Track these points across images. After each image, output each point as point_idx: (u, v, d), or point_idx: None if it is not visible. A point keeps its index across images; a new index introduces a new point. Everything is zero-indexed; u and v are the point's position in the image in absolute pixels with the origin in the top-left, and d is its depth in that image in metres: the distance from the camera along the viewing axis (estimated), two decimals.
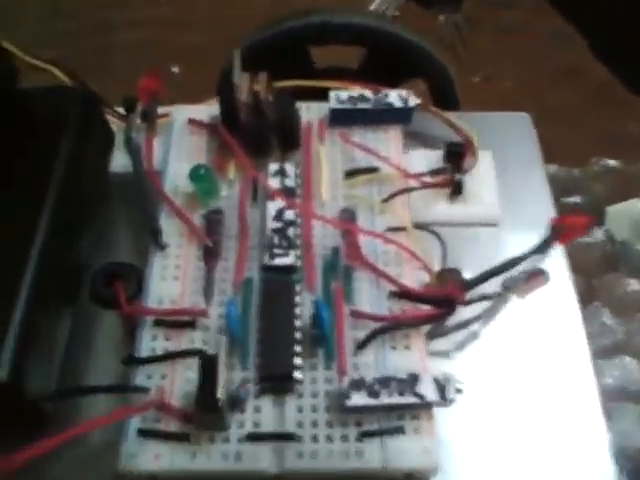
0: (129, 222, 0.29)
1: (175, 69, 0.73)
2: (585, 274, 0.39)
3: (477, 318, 0.26)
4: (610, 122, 0.46)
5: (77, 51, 0.74)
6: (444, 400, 0.21)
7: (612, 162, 0.47)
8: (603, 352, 0.37)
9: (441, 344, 0.25)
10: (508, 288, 0.25)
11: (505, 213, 0.29)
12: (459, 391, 0.21)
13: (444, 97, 0.36)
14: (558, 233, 0.25)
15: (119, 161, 0.30)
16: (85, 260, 0.27)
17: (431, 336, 0.25)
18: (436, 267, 0.26)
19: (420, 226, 0.27)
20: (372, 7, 0.47)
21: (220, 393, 0.20)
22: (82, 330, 0.26)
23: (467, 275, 0.26)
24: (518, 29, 0.59)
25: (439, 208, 0.28)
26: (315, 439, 0.21)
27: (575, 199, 0.44)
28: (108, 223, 0.29)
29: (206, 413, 0.20)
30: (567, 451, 0.23)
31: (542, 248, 0.25)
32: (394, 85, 0.36)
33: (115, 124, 0.30)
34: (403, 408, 0.22)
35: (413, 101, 0.29)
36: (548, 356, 0.25)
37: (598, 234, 0.43)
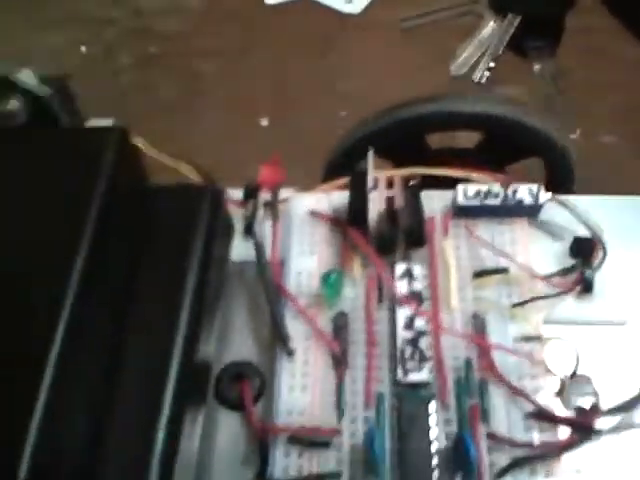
0: (248, 315, 0.29)
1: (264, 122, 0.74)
2: None
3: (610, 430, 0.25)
4: None
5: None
6: None
7: None
8: None
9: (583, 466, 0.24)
10: None
11: (634, 311, 0.28)
12: None
13: (561, 177, 0.36)
14: None
15: (236, 249, 0.30)
16: (210, 358, 0.28)
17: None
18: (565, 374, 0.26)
19: (550, 328, 0.27)
20: (464, 56, 0.47)
21: None
22: (210, 436, 0.26)
23: (599, 381, 0.25)
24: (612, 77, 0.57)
25: (566, 306, 0.28)
26: None
27: None
28: (228, 317, 0.29)
29: None
30: None
31: None
32: (507, 163, 0.36)
33: (234, 211, 0.31)
34: None
35: (544, 197, 0.28)
36: None
37: None
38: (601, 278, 0.28)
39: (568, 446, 0.23)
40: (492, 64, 0.46)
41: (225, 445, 0.26)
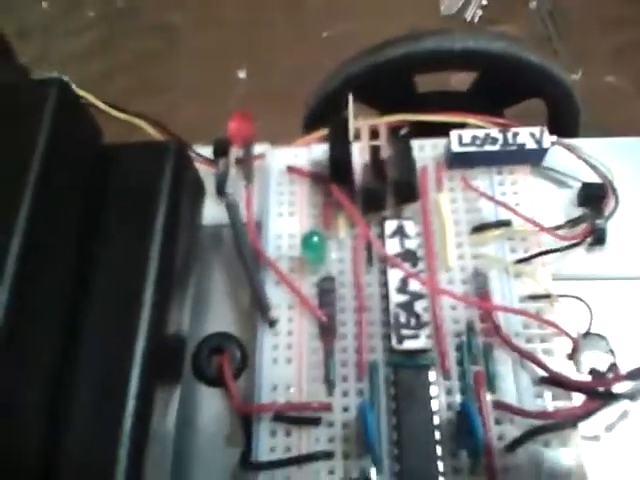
0: (224, 283, 0.27)
1: (242, 75, 0.70)
2: None
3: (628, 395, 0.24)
4: None
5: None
6: None
7: None
8: None
9: (598, 434, 0.23)
10: None
11: None
12: None
13: (565, 119, 0.33)
14: None
15: (210, 212, 0.28)
16: (185, 331, 0.26)
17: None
18: (578, 334, 0.24)
19: (560, 280, 0.25)
20: None
21: None
22: (185, 412, 0.24)
23: (616, 340, 0.24)
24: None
25: (577, 260, 0.26)
26: None
27: None
28: (204, 286, 0.27)
29: None
30: None
31: None
32: (505, 106, 0.33)
33: (204, 171, 0.28)
34: None
35: (548, 140, 0.26)
36: None
37: None
38: (614, 228, 0.26)
39: (585, 414, 0.22)
40: (485, 1, 0.43)
41: (207, 424, 0.24)
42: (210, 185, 0.28)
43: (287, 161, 0.28)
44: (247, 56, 0.71)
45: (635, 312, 0.25)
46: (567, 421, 0.21)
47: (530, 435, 0.21)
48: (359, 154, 0.25)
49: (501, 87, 0.33)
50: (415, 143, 0.27)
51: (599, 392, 0.22)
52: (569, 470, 0.21)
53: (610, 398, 0.22)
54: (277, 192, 0.27)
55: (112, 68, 0.71)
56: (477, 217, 0.26)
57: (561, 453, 0.21)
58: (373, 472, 0.21)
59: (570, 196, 0.27)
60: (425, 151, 0.28)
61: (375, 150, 0.24)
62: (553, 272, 0.25)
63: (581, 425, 0.22)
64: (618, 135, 0.30)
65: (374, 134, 0.26)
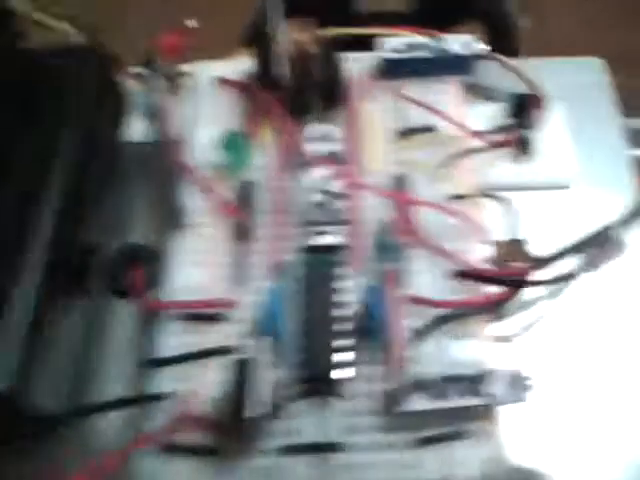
0: (147, 197, 0.27)
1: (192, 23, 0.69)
2: None
3: (544, 296, 0.24)
4: None
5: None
6: (514, 399, 0.19)
7: None
8: None
9: (506, 327, 0.23)
10: (582, 262, 0.23)
11: (578, 173, 0.26)
12: (528, 387, 0.19)
13: (503, 42, 0.33)
14: None
15: (135, 128, 0.28)
16: (97, 242, 0.26)
17: (495, 318, 0.23)
18: (501, 237, 0.24)
19: (483, 191, 0.25)
20: None
21: (248, 401, 0.19)
22: (95, 324, 0.24)
23: (536, 246, 0.24)
24: None
25: (503, 170, 0.26)
26: (363, 448, 0.20)
27: None
28: (123, 199, 0.27)
29: (232, 424, 0.19)
30: None
31: (632, 218, 0.22)
32: (444, 27, 0.33)
33: (131, 86, 0.29)
34: (466, 410, 0.20)
35: (478, 47, 0.26)
36: (624, 337, 0.23)
37: None
38: (542, 140, 0.26)
39: (491, 303, 0.22)
40: None
41: (119, 332, 0.24)
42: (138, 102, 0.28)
43: (216, 73, 0.28)
44: None
45: (558, 220, 0.25)
46: (476, 309, 0.22)
47: (434, 324, 0.21)
48: (285, 58, 0.25)
49: (439, 6, 0.33)
50: (349, 55, 0.28)
51: (510, 280, 0.22)
52: (474, 360, 0.21)
53: (521, 284, 0.22)
54: (205, 103, 0.27)
55: None
56: (405, 124, 0.26)
57: (468, 344, 0.21)
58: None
59: (500, 110, 0.27)
60: (358, 62, 0.28)
61: (303, 55, 0.25)
62: (481, 181, 0.26)
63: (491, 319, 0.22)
64: None
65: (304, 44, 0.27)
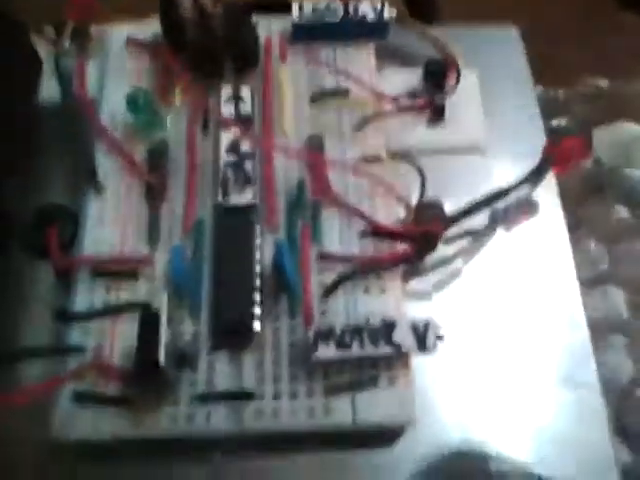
0: (61, 159, 0.27)
1: None
2: (570, 202, 0.38)
3: (460, 254, 0.25)
4: (603, 40, 0.45)
5: None
6: (423, 349, 0.20)
7: (600, 82, 0.45)
8: (587, 283, 0.36)
9: (421, 284, 0.24)
10: (494, 221, 0.24)
11: (491, 139, 0.27)
12: (439, 338, 0.20)
13: (421, 8, 0.34)
14: (552, 160, 0.24)
15: (49, 90, 0.28)
16: (15, 205, 0.25)
17: (410, 275, 0.24)
18: (415, 200, 0.25)
19: (396, 155, 0.26)
20: None
21: (160, 352, 0.19)
22: (11, 284, 0.24)
23: (449, 208, 0.25)
24: None
25: (417, 134, 0.27)
26: (277, 396, 0.20)
27: (560, 122, 0.43)
28: (37, 161, 0.27)
29: (145, 374, 0.19)
30: (554, 390, 0.22)
31: (533, 177, 0.24)
32: None
33: (43, 49, 0.28)
34: (377, 359, 0.20)
35: (388, 13, 0.27)
36: (534, 292, 0.24)
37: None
38: (455, 105, 0.27)
39: (406, 258, 0.22)
40: None
41: (35, 293, 0.24)
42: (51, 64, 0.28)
43: (127, 35, 0.28)
44: None
45: (471, 184, 0.26)
46: (383, 264, 0.22)
47: (345, 277, 0.22)
48: (192, 19, 0.25)
49: None
50: (263, 19, 0.28)
51: (418, 238, 0.23)
52: (385, 312, 0.22)
53: (428, 243, 0.23)
54: (115, 66, 0.27)
55: None
56: (318, 88, 0.27)
57: (380, 298, 0.22)
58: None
59: (416, 76, 0.28)
60: (272, 26, 0.28)
61: (204, 12, 0.25)
62: (393, 147, 0.26)
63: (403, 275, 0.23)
64: None
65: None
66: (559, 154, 0.24)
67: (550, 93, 0.43)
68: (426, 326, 0.20)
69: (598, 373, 0.23)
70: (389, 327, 0.20)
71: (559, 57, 0.43)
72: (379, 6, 0.27)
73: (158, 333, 0.19)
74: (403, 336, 0.20)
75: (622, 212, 0.40)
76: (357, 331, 0.20)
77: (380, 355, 0.20)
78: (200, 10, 0.24)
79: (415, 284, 0.24)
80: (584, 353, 0.23)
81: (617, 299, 0.37)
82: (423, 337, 0.20)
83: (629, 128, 0.43)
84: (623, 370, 0.34)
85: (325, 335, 0.20)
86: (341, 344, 0.20)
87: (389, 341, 0.20)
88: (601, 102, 0.44)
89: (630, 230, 0.39)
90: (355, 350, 0.20)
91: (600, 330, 0.35)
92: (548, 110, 0.42)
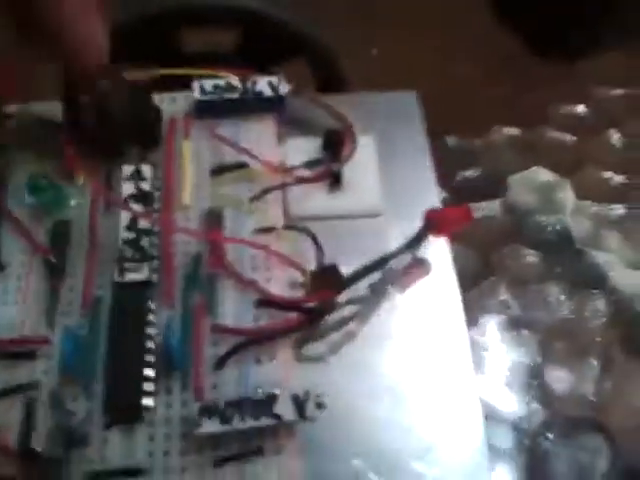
0: None
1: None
2: (483, 249, 0.40)
3: (354, 316, 0.26)
4: (511, 92, 0.47)
5: None
6: (304, 418, 0.21)
7: (512, 130, 0.48)
8: (501, 328, 0.38)
9: (316, 348, 0.25)
10: (386, 282, 0.26)
11: (389, 203, 0.29)
12: (320, 406, 0.21)
13: (328, 77, 0.36)
14: (432, 226, 0.25)
15: None
16: None
17: (304, 340, 0.25)
18: (311, 267, 0.26)
19: (293, 224, 0.27)
20: None
21: (37, 437, 0.20)
22: None
23: (348, 271, 0.26)
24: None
25: (317, 202, 0.28)
26: (167, 470, 0.21)
27: (475, 172, 0.45)
28: None
29: (29, 457, 0.20)
30: (444, 450, 0.23)
31: (414, 243, 0.25)
32: (270, 65, 0.35)
33: None
34: (263, 429, 0.21)
35: (284, 88, 0.29)
36: (426, 350, 0.25)
37: (496, 206, 0.44)
38: (353, 172, 0.29)
39: (297, 327, 0.24)
40: None
41: None
42: None
43: (40, 115, 0.29)
44: None
45: (368, 247, 0.28)
46: (272, 335, 0.23)
47: (233, 351, 0.23)
48: (88, 103, 0.26)
49: (262, 46, 0.36)
50: (167, 96, 0.30)
51: (302, 307, 0.24)
52: (275, 381, 0.23)
53: (311, 312, 0.24)
54: (20, 145, 0.28)
55: None
56: (219, 162, 0.28)
57: (270, 367, 0.23)
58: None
59: (316, 146, 0.30)
60: (177, 103, 0.30)
61: (102, 90, 0.26)
62: (296, 215, 0.28)
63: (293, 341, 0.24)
64: None
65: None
66: (439, 222, 0.25)
67: (464, 143, 0.46)
68: (307, 395, 0.21)
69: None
70: (270, 399, 0.21)
71: (473, 109, 0.45)
72: (275, 82, 0.29)
73: (40, 416, 0.20)
74: (284, 407, 0.21)
75: (531, 257, 0.42)
76: (240, 404, 0.21)
77: (262, 427, 0.21)
78: (99, 93, 0.25)
79: (310, 348, 0.25)
80: (474, 417, 0.24)
81: (530, 343, 0.38)
82: (303, 406, 0.21)
83: (543, 174, 0.45)
84: (533, 416, 0.36)
85: (209, 410, 0.21)
86: (224, 419, 0.21)
87: (270, 413, 0.21)
88: (514, 150, 0.46)
89: (541, 275, 0.41)
90: (237, 424, 0.21)
91: (515, 374, 0.37)
92: (462, 160, 0.45)
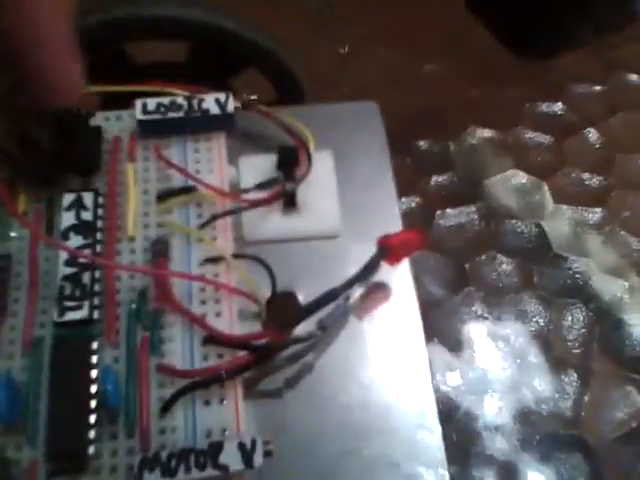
0: None
1: None
2: (458, 257, 0.39)
3: (311, 347, 0.25)
4: (485, 92, 0.46)
5: None
6: (250, 466, 0.21)
7: (487, 132, 0.47)
8: (476, 338, 0.38)
9: (269, 383, 0.25)
10: (345, 311, 0.25)
11: (347, 223, 0.28)
12: (268, 453, 0.21)
13: (284, 87, 0.35)
14: (385, 254, 0.24)
15: None
16: None
17: (256, 378, 0.24)
18: (265, 295, 0.25)
19: (254, 244, 0.27)
20: None
21: None
22: None
23: (306, 297, 0.25)
24: None
25: (272, 224, 0.28)
26: None
27: (450, 176, 0.45)
28: None
29: None
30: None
31: (367, 272, 0.25)
32: (224, 77, 0.34)
33: None
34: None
35: (231, 105, 0.28)
36: (387, 377, 0.25)
37: (471, 211, 0.43)
38: (309, 190, 0.28)
39: (238, 368, 0.23)
40: None
41: None
42: None
43: None
44: None
45: (327, 270, 0.27)
46: (221, 376, 0.23)
47: (179, 394, 0.22)
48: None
49: (213, 58, 0.34)
50: (112, 114, 0.29)
51: (248, 345, 0.23)
52: (226, 425, 0.22)
53: (257, 350, 0.23)
54: None
55: None
56: (168, 186, 0.27)
57: (219, 409, 0.23)
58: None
59: (272, 159, 0.29)
60: (123, 121, 0.29)
61: (27, 128, 0.25)
62: (250, 239, 0.27)
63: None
64: None
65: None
66: (392, 249, 0.24)
67: (438, 147, 0.45)
68: (254, 443, 0.21)
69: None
70: (216, 449, 0.21)
71: (446, 110, 0.45)
72: (223, 99, 0.28)
73: None
74: (230, 457, 0.21)
75: (506, 265, 0.41)
76: (184, 455, 0.21)
77: (207, 478, 0.21)
78: (24, 130, 0.24)
79: (263, 384, 0.25)
80: (435, 447, 0.24)
81: (506, 356, 0.38)
82: (250, 455, 0.21)
83: (519, 177, 0.44)
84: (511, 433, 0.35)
85: (150, 462, 0.21)
86: (168, 471, 0.21)
87: (216, 464, 0.21)
88: (490, 153, 0.46)
89: (517, 285, 0.41)
90: (181, 476, 0.20)
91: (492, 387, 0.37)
92: (436, 164, 0.44)
